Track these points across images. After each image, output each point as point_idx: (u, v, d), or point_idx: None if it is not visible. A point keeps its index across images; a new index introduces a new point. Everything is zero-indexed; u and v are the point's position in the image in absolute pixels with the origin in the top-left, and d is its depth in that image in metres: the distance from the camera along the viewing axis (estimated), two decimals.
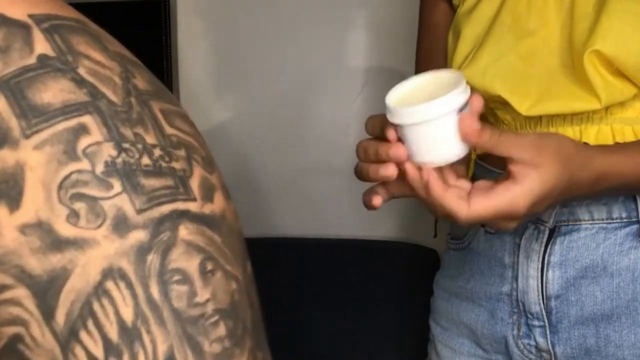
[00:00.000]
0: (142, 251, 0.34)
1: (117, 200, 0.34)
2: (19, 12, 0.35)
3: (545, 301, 0.82)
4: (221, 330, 0.35)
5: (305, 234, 1.63)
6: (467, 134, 0.66)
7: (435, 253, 1.48)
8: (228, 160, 1.62)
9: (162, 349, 0.33)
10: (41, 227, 0.33)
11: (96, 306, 0.33)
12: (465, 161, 0.76)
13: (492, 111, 0.85)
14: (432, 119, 0.65)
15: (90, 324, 0.33)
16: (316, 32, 1.60)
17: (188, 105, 1.66)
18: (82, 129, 0.34)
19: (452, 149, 0.67)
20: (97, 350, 0.32)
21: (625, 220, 0.79)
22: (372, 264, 1.53)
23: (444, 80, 0.68)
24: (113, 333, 0.33)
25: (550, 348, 0.82)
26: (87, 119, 0.34)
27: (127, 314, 0.33)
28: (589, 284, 0.80)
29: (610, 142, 0.77)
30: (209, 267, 0.35)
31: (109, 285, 0.33)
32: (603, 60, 0.74)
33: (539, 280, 0.82)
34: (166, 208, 0.35)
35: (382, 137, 0.72)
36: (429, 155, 0.68)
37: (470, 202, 0.67)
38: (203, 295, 0.34)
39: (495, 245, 0.87)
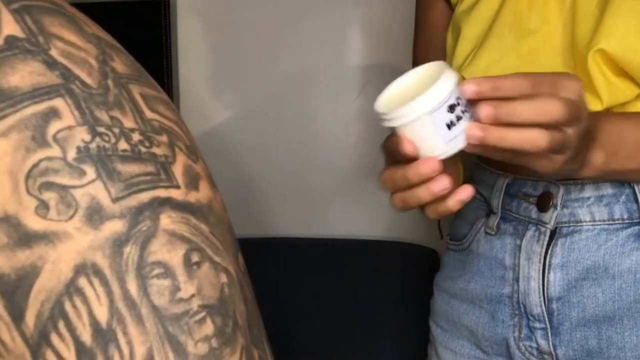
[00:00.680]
0: (118, 243, 0.31)
1: (91, 188, 0.31)
2: None
3: (546, 303, 0.81)
4: (208, 328, 0.32)
5: (305, 233, 1.63)
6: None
7: (435, 253, 1.48)
8: (227, 160, 1.62)
9: (140, 351, 0.30)
10: (8, 222, 0.30)
11: (68, 306, 0.30)
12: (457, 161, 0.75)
13: None
14: (417, 118, 0.62)
15: (61, 326, 0.30)
16: (316, 31, 1.60)
17: (188, 105, 1.66)
18: (53, 113, 0.31)
19: (447, 141, 0.63)
20: (69, 354, 0.30)
21: (627, 221, 0.78)
22: (372, 264, 1.53)
23: (432, 73, 0.65)
24: (86, 335, 0.30)
25: (552, 350, 0.82)
26: (58, 102, 0.32)
27: (102, 314, 0.30)
28: (590, 285, 0.79)
29: None
30: (195, 258, 0.32)
31: (82, 282, 0.30)
32: (607, 60, 0.73)
33: (540, 282, 0.81)
34: (146, 196, 0.32)
35: (397, 160, 0.67)
36: (452, 139, 0.63)
37: None
38: (187, 290, 0.31)
39: (496, 246, 0.86)
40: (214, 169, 0.39)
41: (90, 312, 0.30)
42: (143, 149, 0.33)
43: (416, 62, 1.03)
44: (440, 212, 0.67)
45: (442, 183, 0.63)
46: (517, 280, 0.83)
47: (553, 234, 0.81)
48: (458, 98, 0.63)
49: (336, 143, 1.60)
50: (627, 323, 0.78)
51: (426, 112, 0.62)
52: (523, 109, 0.62)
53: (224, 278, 0.33)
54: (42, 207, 0.30)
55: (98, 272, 0.30)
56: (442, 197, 0.65)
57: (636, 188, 0.77)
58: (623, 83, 0.74)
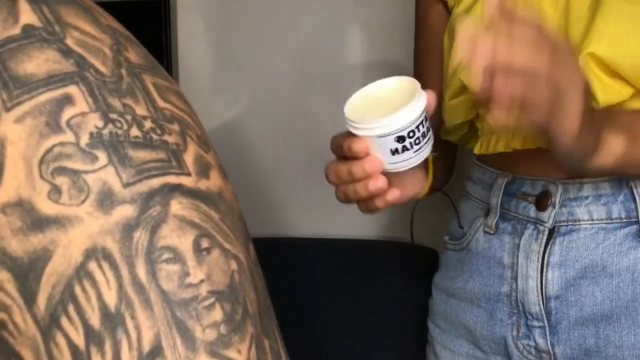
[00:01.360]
0: (128, 228, 0.31)
1: (102, 173, 0.31)
2: None
3: (544, 302, 0.81)
4: (217, 314, 0.31)
5: (304, 233, 1.63)
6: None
7: (435, 253, 1.48)
8: (227, 160, 1.62)
9: (147, 336, 0.30)
10: (22, 206, 0.30)
11: (78, 290, 0.30)
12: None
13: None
14: (395, 131, 0.69)
15: (71, 309, 0.30)
16: (316, 30, 1.60)
17: None
18: (67, 100, 0.32)
19: (417, 157, 0.71)
20: (78, 338, 0.30)
21: (625, 220, 0.78)
22: (372, 264, 1.53)
23: (403, 87, 0.72)
24: (95, 319, 0.30)
25: (550, 349, 0.82)
26: (72, 89, 0.32)
27: (110, 298, 0.30)
28: (588, 284, 0.80)
29: None
30: (205, 244, 0.32)
31: (92, 266, 0.30)
32: (599, 62, 0.74)
33: (539, 281, 0.81)
34: (156, 182, 0.32)
35: (344, 156, 0.73)
36: (394, 163, 0.71)
37: None
38: (196, 275, 0.31)
39: (495, 245, 0.86)
40: None
41: (100, 296, 0.30)
42: (155, 136, 0.33)
43: (417, 63, 1.04)
44: (370, 208, 0.75)
45: (378, 183, 0.71)
46: (515, 278, 0.84)
47: (551, 233, 0.81)
48: (418, 126, 0.69)
49: None
50: (624, 322, 0.78)
51: (374, 135, 0.69)
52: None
53: (234, 265, 0.33)
54: (55, 192, 0.31)
55: (108, 257, 0.30)
56: (375, 195, 0.73)
57: (634, 188, 0.78)
58: (617, 84, 0.75)
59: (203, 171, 0.35)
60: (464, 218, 0.93)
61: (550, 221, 0.81)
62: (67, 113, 0.32)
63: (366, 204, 0.76)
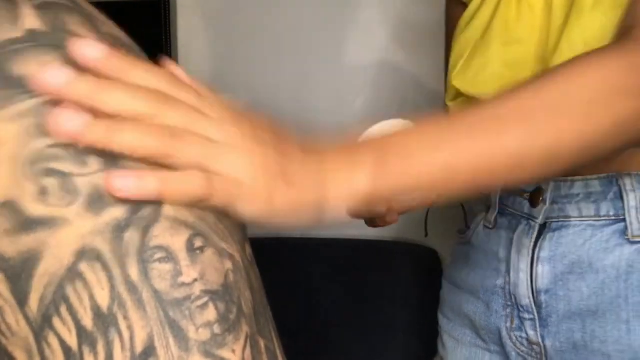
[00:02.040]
0: (118, 228, 0.31)
1: (93, 176, 0.31)
2: None
3: (535, 295, 0.83)
4: (210, 314, 0.31)
5: (305, 234, 1.63)
6: None
7: (435, 253, 1.48)
8: None
9: (140, 336, 0.30)
10: (11, 207, 0.30)
11: (70, 290, 0.30)
12: None
13: None
14: None
15: (63, 310, 0.30)
16: (316, 31, 1.60)
17: None
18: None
19: None
20: (71, 338, 0.30)
21: (613, 218, 0.80)
22: (372, 264, 1.53)
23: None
24: (87, 319, 0.30)
25: (540, 341, 0.83)
26: None
27: (103, 298, 0.30)
28: (576, 279, 0.81)
29: None
30: (198, 243, 0.32)
31: (83, 267, 0.30)
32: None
33: (529, 275, 0.83)
34: None
35: None
36: None
37: None
38: (190, 274, 0.31)
39: (493, 239, 0.89)
40: None
41: (92, 297, 0.30)
42: None
43: (447, 59, 1.05)
44: (372, 225, 0.77)
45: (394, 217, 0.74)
46: (508, 272, 0.86)
47: (543, 229, 0.83)
48: None
49: None
50: (609, 317, 0.79)
51: None
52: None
53: (229, 264, 0.33)
54: (42, 193, 0.30)
55: (99, 257, 0.30)
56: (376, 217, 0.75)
57: (622, 186, 0.79)
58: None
59: None
60: (471, 213, 0.97)
61: (541, 217, 0.82)
62: None
63: (371, 222, 0.78)
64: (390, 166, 0.48)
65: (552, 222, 0.82)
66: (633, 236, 0.78)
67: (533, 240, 0.83)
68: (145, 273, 0.30)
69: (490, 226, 0.89)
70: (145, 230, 0.31)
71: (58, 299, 0.30)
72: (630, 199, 0.78)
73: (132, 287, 0.30)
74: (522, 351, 0.86)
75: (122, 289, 0.30)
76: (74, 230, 0.30)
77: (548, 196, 0.82)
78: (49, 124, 0.31)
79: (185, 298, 0.31)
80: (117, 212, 0.31)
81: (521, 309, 0.85)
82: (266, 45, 1.62)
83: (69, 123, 0.31)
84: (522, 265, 0.84)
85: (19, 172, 0.30)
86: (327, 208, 0.45)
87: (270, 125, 0.45)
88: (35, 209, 0.30)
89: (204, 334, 0.31)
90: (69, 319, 0.30)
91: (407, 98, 1.53)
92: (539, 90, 0.56)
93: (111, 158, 0.32)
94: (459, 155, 0.51)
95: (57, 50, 0.33)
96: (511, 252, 0.85)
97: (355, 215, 0.52)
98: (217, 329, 0.31)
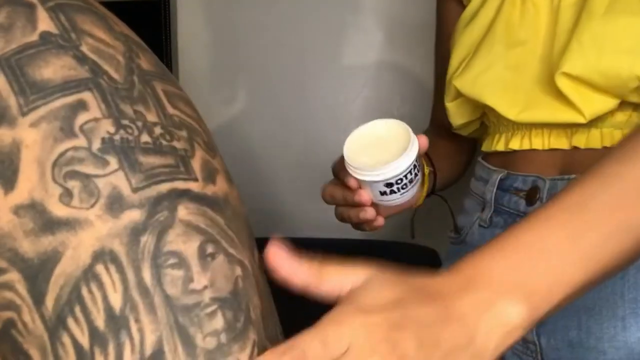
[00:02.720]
0: (136, 232, 0.31)
1: (113, 177, 0.32)
2: None
3: None
4: (218, 322, 0.32)
5: (305, 234, 1.63)
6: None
7: (435, 253, 1.48)
8: (227, 160, 1.62)
9: (150, 339, 0.30)
10: (34, 208, 0.31)
11: (84, 291, 0.31)
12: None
13: (489, 117, 0.89)
14: (384, 180, 0.74)
15: (77, 310, 0.30)
16: (316, 31, 1.60)
17: None
18: (81, 105, 0.33)
19: (403, 197, 0.77)
20: (83, 339, 0.30)
21: None
22: (372, 264, 1.53)
23: (397, 131, 0.76)
24: (100, 320, 0.30)
25: (536, 339, 0.83)
26: (86, 95, 0.33)
27: (116, 301, 0.31)
28: None
29: (598, 146, 0.78)
30: (210, 250, 0.33)
31: (99, 269, 0.31)
32: (575, 79, 0.75)
33: None
34: (164, 187, 0.33)
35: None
36: (381, 201, 0.78)
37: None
38: (200, 281, 0.32)
39: (487, 238, 0.88)
40: None
41: (105, 298, 0.31)
42: (164, 142, 0.34)
43: (437, 59, 1.05)
44: (361, 229, 0.85)
45: (367, 214, 0.79)
46: None
47: None
48: (406, 174, 0.74)
49: (336, 143, 1.60)
50: (605, 314, 0.79)
51: (365, 180, 0.75)
52: None
53: (238, 271, 0.34)
54: (66, 195, 0.31)
55: (115, 259, 0.31)
56: (365, 222, 0.82)
57: None
58: (601, 96, 0.76)
59: (210, 176, 0.35)
60: (466, 213, 0.96)
61: None
62: (81, 118, 0.32)
63: (357, 226, 0.85)
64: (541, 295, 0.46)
65: None
66: None
67: None
68: (157, 278, 0.31)
69: (486, 225, 0.89)
70: (160, 235, 0.32)
71: (73, 299, 0.30)
72: None
73: (144, 291, 0.31)
74: (518, 350, 0.86)
75: (134, 292, 0.31)
76: (94, 231, 0.31)
77: (544, 194, 0.82)
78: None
79: (194, 305, 0.31)
80: (134, 215, 0.32)
81: None
82: (266, 45, 1.62)
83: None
84: None
85: (43, 175, 0.31)
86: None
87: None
88: (59, 210, 0.31)
89: (211, 343, 0.31)
90: (82, 319, 0.31)
91: (406, 98, 1.53)
92: None
93: (127, 156, 0.32)
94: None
95: (71, 51, 0.34)
96: None
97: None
98: (223, 337, 0.32)
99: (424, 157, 0.88)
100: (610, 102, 0.76)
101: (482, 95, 0.83)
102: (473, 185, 0.96)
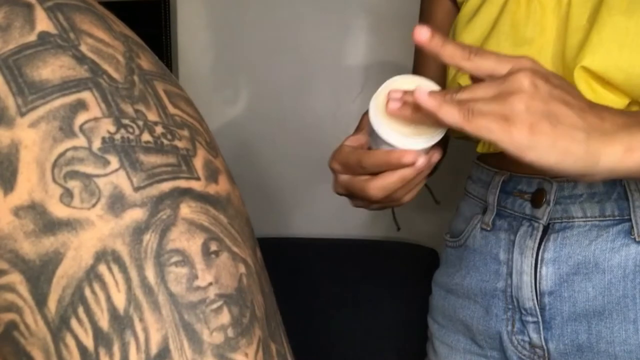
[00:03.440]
0: (138, 231, 0.31)
1: (114, 177, 0.32)
2: None
3: (538, 297, 0.82)
4: (224, 317, 0.32)
5: (305, 233, 1.63)
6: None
7: (435, 253, 1.48)
8: (227, 160, 1.62)
9: (155, 338, 0.30)
10: (35, 209, 0.31)
11: (87, 292, 0.30)
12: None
13: None
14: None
15: (81, 311, 0.30)
16: (316, 31, 1.60)
17: None
18: (80, 105, 0.33)
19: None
20: (87, 339, 0.30)
21: (618, 218, 0.79)
22: (372, 263, 1.53)
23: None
24: (104, 321, 0.30)
25: (544, 344, 0.83)
26: (86, 95, 0.33)
27: (119, 300, 0.30)
28: (581, 280, 0.81)
29: None
30: (213, 247, 0.33)
31: (102, 269, 0.31)
32: (592, 75, 0.74)
33: (533, 277, 0.82)
34: (167, 186, 0.33)
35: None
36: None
37: None
38: (205, 278, 0.32)
39: (491, 242, 0.87)
40: None
41: (109, 298, 0.30)
42: (165, 142, 0.34)
43: (417, 60, 1.04)
44: (390, 201, 0.75)
45: (421, 161, 0.69)
46: (510, 274, 0.85)
47: (546, 230, 0.82)
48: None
49: (336, 143, 1.60)
50: (616, 318, 0.79)
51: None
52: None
53: (242, 269, 0.34)
54: (67, 195, 0.31)
55: (117, 259, 0.31)
56: (392, 196, 0.73)
57: (627, 186, 0.78)
58: (612, 94, 0.75)
59: (212, 176, 0.35)
60: (463, 216, 0.95)
61: (545, 218, 0.82)
62: (81, 118, 0.32)
63: (390, 197, 0.74)
64: None
65: (555, 223, 0.81)
66: (639, 236, 0.78)
67: (537, 241, 0.82)
68: (161, 276, 0.31)
69: (488, 228, 0.88)
70: (163, 234, 0.32)
71: (76, 300, 0.30)
72: (636, 199, 0.78)
73: (148, 290, 0.31)
74: (524, 355, 0.85)
75: (138, 291, 0.31)
76: (95, 231, 0.31)
77: (551, 197, 0.81)
78: (418, 99, 0.54)
79: (200, 301, 0.31)
80: (136, 214, 0.31)
81: (523, 312, 0.84)
82: (266, 45, 1.62)
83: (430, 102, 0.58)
84: (525, 267, 0.83)
85: (43, 176, 0.31)
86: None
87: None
88: (60, 210, 0.31)
89: (218, 337, 0.31)
90: (86, 320, 0.30)
91: None
92: None
93: (128, 155, 0.32)
94: None
95: (70, 51, 0.33)
96: (513, 254, 0.84)
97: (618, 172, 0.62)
98: (230, 332, 0.32)
99: None
100: (620, 102, 0.75)
101: None
102: (470, 187, 0.94)
